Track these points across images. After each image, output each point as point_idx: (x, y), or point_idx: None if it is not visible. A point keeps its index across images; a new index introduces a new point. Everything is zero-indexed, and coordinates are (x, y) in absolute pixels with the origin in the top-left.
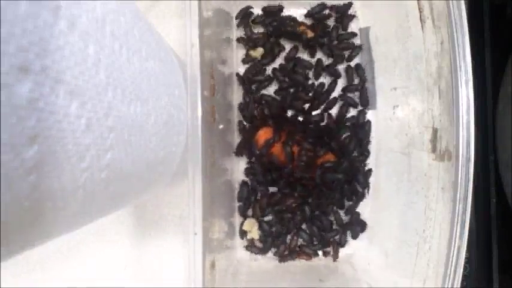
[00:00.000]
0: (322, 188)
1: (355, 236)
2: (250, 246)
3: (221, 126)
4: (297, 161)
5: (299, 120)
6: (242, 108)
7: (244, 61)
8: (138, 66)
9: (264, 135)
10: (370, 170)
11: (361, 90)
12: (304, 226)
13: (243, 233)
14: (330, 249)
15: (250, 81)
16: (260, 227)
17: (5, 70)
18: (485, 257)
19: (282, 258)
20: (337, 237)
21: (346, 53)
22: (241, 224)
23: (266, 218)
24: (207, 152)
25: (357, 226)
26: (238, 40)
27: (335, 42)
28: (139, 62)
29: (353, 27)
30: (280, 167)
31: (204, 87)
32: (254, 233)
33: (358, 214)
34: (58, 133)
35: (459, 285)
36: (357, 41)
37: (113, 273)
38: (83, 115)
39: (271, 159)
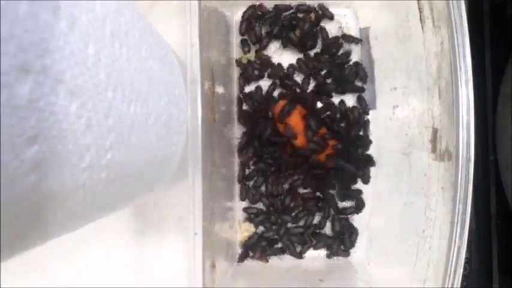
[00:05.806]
0: (329, 170)
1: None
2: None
3: (221, 126)
4: (310, 136)
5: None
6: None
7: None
8: (138, 66)
9: (281, 104)
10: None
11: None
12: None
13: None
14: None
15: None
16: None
17: (5, 70)
18: (485, 257)
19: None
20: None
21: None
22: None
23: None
24: (207, 151)
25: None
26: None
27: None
28: (139, 62)
29: (353, 27)
30: (292, 141)
31: (204, 87)
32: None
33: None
34: (58, 133)
35: (459, 285)
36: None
37: (113, 273)
38: (83, 115)
39: (285, 131)
